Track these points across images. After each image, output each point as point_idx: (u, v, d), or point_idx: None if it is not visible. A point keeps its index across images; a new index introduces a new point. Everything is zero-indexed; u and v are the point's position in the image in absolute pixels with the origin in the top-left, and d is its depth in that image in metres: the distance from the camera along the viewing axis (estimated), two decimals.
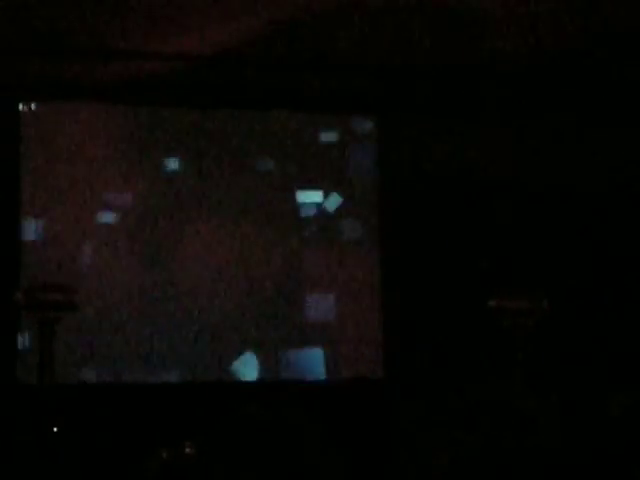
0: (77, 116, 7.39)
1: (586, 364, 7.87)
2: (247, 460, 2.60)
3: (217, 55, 7.20)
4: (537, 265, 7.48)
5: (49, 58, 7.07)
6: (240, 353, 7.51)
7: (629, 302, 8.08)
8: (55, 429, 6.00)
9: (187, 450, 2.78)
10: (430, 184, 7.93)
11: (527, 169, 8.06)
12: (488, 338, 7.34)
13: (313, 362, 7.64)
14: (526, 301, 6.89)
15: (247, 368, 7.49)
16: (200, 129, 7.59)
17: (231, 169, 7.62)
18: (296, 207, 7.73)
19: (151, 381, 7.33)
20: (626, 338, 8.01)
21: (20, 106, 7.30)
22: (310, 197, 7.75)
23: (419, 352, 7.75)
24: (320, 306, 7.71)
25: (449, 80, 7.70)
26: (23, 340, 7.02)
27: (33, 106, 7.33)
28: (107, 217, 7.39)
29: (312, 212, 7.75)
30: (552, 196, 8.06)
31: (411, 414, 7.49)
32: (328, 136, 7.81)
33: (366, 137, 7.87)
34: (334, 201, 7.78)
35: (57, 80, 7.25)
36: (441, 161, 7.91)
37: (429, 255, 7.87)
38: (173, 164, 7.55)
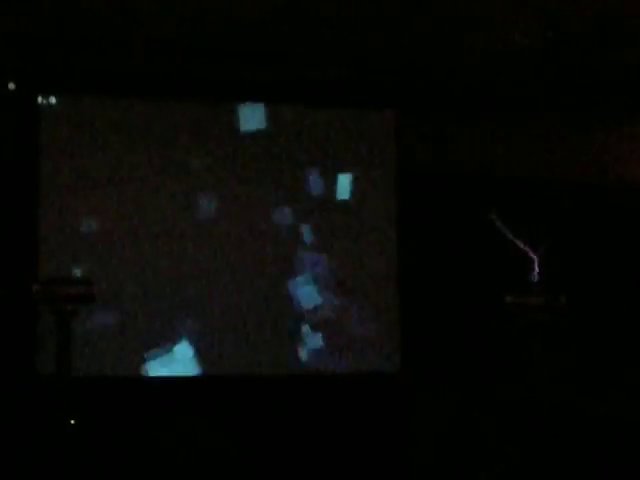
0: (96, 109, 7.42)
1: (603, 359, 7.86)
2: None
3: (238, 49, 7.21)
4: (555, 261, 7.46)
5: (69, 51, 7.09)
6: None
7: None
8: (72, 420, 6.04)
9: None
10: (448, 179, 7.93)
11: (543, 165, 8.04)
12: (505, 333, 7.34)
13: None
14: (543, 297, 6.89)
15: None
16: (223, 123, 7.63)
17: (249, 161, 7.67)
18: (312, 195, 7.76)
19: (166, 374, 7.36)
20: None
21: (39, 99, 7.33)
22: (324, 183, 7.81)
23: (436, 347, 7.75)
24: (336, 299, 7.73)
25: (467, 76, 7.70)
26: (41, 332, 7.03)
27: (52, 99, 7.35)
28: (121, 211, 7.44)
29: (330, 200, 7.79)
30: (568, 192, 8.05)
31: (427, 408, 7.50)
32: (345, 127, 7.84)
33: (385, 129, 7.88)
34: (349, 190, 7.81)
35: (78, 73, 7.27)
36: (459, 155, 7.90)
37: (447, 251, 7.87)
38: (194, 160, 7.59)
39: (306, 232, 7.74)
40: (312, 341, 7.66)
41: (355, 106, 7.83)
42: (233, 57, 7.29)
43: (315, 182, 7.79)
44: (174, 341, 7.42)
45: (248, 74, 7.47)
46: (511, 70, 7.51)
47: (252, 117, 7.70)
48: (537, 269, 6.97)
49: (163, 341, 7.39)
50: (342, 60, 7.39)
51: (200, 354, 7.44)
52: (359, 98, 7.79)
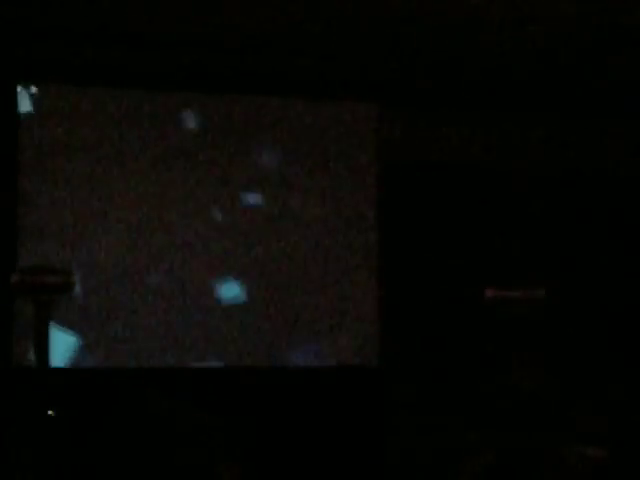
0: (77, 99, 7.38)
1: (583, 352, 7.88)
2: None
3: (216, 41, 7.19)
4: (534, 254, 7.48)
5: (49, 40, 7.04)
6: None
7: (626, 290, 8.10)
8: (51, 412, 6.00)
9: None
10: (429, 172, 7.94)
11: (525, 158, 8.06)
12: (485, 327, 7.35)
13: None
14: (522, 291, 6.90)
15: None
16: (211, 116, 7.61)
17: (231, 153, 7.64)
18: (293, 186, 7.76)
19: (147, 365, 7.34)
20: (623, 326, 8.03)
21: (19, 88, 7.29)
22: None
23: (415, 341, 7.76)
24: (315, 294, 7.72)
25: (449, 69, 7.70)
26: (20, 322, 7.00)
27: (33, 89, 7.31)
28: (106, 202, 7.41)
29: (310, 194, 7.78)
30: (549, 185, 8.07)
31: (406, 402, 7.51)
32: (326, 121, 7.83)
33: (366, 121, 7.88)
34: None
35: (58, 62, 7.23)
36: (440, 148, 7.91)
37: (427, 244, 7.87)
38: (173, 150, 7.56)
39: (286, 223, 7.74)
40: (290, 334, 7.65)
41: (336, 97, 7.83)
42: (214, 48, 7.26)
43: (296, 173, 7.78)
44: (152, 331, 7.40)
45: (231, 64, 7.45)
46: (494, 63, 7.53)
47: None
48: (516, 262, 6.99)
49: (142, 331, 7.37)
50: (324, 51, 7.38)
51: (179, 345, 7.42)
52: (341, 90, 7.78)
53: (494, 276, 6.99)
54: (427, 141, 7.91)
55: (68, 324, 7.09)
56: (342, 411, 7.58)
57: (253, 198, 7.69)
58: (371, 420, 7.60)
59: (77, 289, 6.27)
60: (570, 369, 7.74)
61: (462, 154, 7.95)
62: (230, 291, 7.58)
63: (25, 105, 7.29)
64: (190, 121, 7.60)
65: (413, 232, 7.86)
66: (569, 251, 8.03)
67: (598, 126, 8.17)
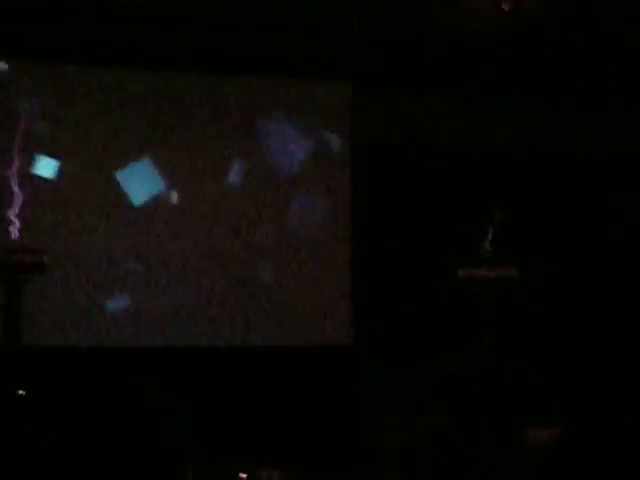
0: (47, 76, 7.32)
1: (554, 331, 7.93)
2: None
3: (193, 20, 7.16)
4: (506, 234, 7.50)
5: (21, 16, 6.99)
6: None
7: (598, 269, 8.14)
8: (21, 391, 5.98)
9: None
10: (404, 151, 7.93)
11: (499, 137, 8.07)
12: (457, 306, 7.37)
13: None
14: (494, 270, 6.94)
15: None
16: (181, 93, 7.57)
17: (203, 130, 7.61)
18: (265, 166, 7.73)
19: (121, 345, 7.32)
20: (598, 303, 8.07)
21: None
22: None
23: (388, 320, 7.77)
24: (288, 273, 7.72)
25: (423, 50, 7.69)
26: None
27: (4, 65, 7.24)
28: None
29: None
30: (522, 164, 8.09)
31: (378, 381, 7.53)
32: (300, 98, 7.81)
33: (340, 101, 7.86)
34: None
35: (30, 39, 7.17)
36: (413, 129, 7.91)
37: (399, 224, 7.88)
38: (146, 129, 7.52)
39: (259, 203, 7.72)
40: (263, 313, 7.65)
41: (310, 77, 7.80)
42: (187, 26, 7.23)
43: (269, 152, 7.76)
44: (126, 311, 7.38)
45: (202, 44, 7.41)
46: (469, 42, 7.52)
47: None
48: (489, 240, 7.00)
49: (114, 311, 7.35)
50: (298, 30, 7.35)
51: (151, 325, 7.41)
52: (314, 69, 7.76)
53: (467, 256, 7.00)
54: (401, 120, 7.89)
55: (39, 303, 7.05)
56: (315, 391, 7.59)
57: (226, 177, 7.66)
58: (344, 399, 7.62)
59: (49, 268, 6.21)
60: (536, 349, 7.78)
61: (435, 134, 7.94)
62: (207, 271, 7.57)
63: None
64: (165, 99, 7.55)
65: (386, 212, 7.86)
66: (542, 230, 8.06)
67: (574, 108, 8.18)
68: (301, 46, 7.55)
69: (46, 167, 7.29)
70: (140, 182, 7.48)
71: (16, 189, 6.55)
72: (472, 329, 7.00)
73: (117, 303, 7.37)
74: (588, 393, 7.41)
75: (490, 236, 6.98)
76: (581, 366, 7.76)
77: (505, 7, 6.49)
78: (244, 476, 5.59)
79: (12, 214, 6.52)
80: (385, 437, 6.85)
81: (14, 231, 6.29)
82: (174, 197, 7.56)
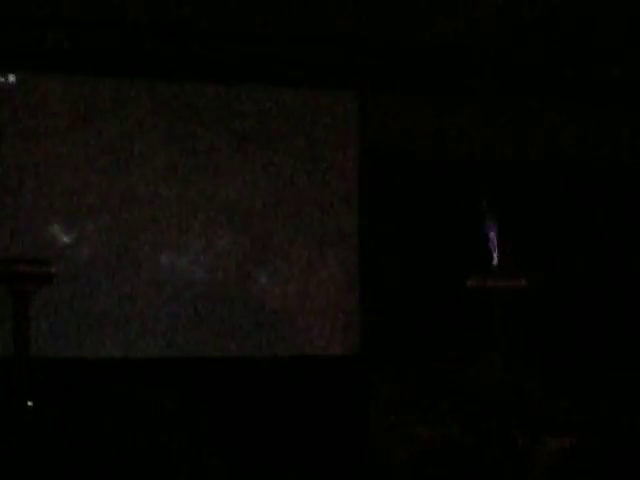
0: (56, 89, 7.33)
1: (564, 341, 7.90)
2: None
3: (199, 29, 7.17)
4: (516, 244, 7.48)
5: (27, 28, 7.00)
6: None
7: (609, 278, 8.12)
8: (30, 403, 5.97)
9: None
10: (411, 161, 7.92)
11: (508, 147, 8.05)
12: (466, 316, 7.35)
13: None
14: (504, 280, 6.91)
15: None
16: (180, 103, 7.56)
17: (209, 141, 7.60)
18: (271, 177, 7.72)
19: (129, 355, 7.31)
20: (605, 314, 8.05)
21: None
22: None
23: (397, 329, 7.75)
24: (297, 282, 7.71)
25: (430, 57, 7.69)
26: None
27: (11, 77, 7.26)
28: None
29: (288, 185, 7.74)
30: (531, 173, 8.07)
31: (387, 391, 7.51)
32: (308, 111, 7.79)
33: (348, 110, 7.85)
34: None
35: (36, 51, 7.18)
36: (422, 137, 7.89)
37: (408, 232, 7.86)
38: (152, 138, 7.51)
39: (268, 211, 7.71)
40: (272, 322, 7.64)
41: (318, 86, 7.79)
42: (198, 37, 7.24)
43: (276, 163, 7.75)
44: (137, 321, 7.36)
45: (211, 53, 7.42)
46: (479, 51, 7.52)
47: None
48: (497, 251, 6.98)
49: (125, 321, 7.34)
50: (307, 39, 7.36)
51: (163, 335, 7.40)
52: (322, 78, 7.75)
53: (476, 265, 6.98)
54: (409, 130, 7.88)
55: (48, 313, 7.04)
56: (325, 400, 7.57)
57: (235, 187, 7.66)
58: (354, 409, 7.60)
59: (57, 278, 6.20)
60: (549, 360, 7.75)
61: (444, 144, 7.93)
62: (214, 280, 7.56)
63: (3, 94, 7.23)
64: (171, 109, 7.55)
65: (394, 220, 7.85)
66: (552, 240, 8.04)
67: (597, 117, 8.17)
68: (307, 55, 7.55)
69: None
70: None
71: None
72: (482, 338, 6.97)
73: (127, 313, 7.37)
74: (599, 402, 7.38)
75: (499, 245, 6.96)
76: (591, 375, 7.73)
77: None
78: None
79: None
80: (396, 446, 6.82)
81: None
82: (183, 204, 7.56)
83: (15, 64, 7.22)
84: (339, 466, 7.34)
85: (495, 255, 6.99)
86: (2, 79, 7.22)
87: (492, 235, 7.03)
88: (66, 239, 7.28)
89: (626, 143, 8.18)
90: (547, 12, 6.70)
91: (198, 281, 7.52)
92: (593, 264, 8.12)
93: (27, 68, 7.26)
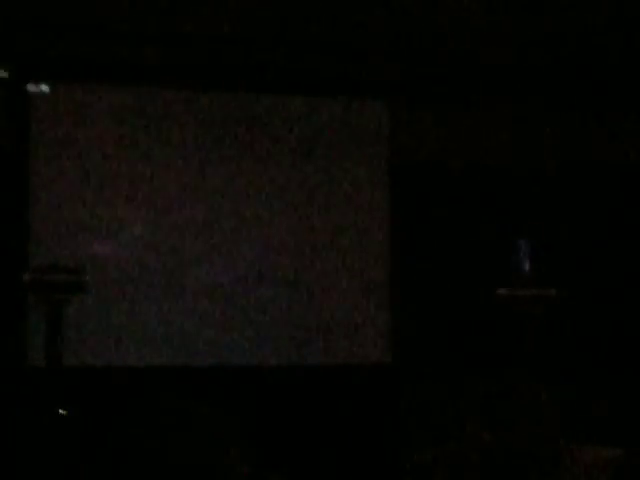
0: (88, 98, 7.36)
1: (596, 351, 7.85)
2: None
3: (231, 37, 7.18)
4: (546, 253, 7.45)
5: (61, 37, 7.03)
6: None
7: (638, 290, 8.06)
8: (63, 412, 5.99)
9: None
10: (441, 171, 7.91)
11: (538, 157, 8.03)
12: (497, 326, 7.33)
13: None
14: (535, 290, 6.88)
15: None
16: (214, 113, 7.57)
17: (240, 151, 7.60)
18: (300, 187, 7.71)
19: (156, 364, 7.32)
20: (635, 324, 7.99)
21: (30, 87, 7.25)
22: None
23: (428, 338, 7.74)
24: (329, 292, 7.70)
25: (463, 69, 7.67)
26: (33, 322, 6.96)
27: (44, 87, 7.29)
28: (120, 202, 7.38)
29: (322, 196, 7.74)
30: (561, 184, 8.04)
31: (420, 400, 7.49)
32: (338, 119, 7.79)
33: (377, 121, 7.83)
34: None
35: (70, 60, 7.22)
36: (453, 148, 7.88)
37: (439, 242, 7.85)
38: (186, 147, 7.53)
39: (298, 223, 7.71)
40: (305, 332, 7.63)
41: (347, 96, 7.79)
42: (225, 45, 7.25)
43: (307, 172, 7.75)
44: (169, 330, 7.37)
45: (245, 64, 7.43)
46: (508, 60, 7.51)
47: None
48: (528, 260, 6.96)
49: (157, 330, 7.35)
50: (340, 51, 7.36)
51: (195, 344, 7.40)
52: (352, 88, 7.75)
53: (507, 275, 6.96)
54: (439, 140, 7.87)
55: (81, 323, 7.07)
56: (357, 409, 7.56)
57: (264, 197, 7.66)
58: (386, 417, 7.58)
59: (90, 287, 6.22)
60: (583, 368, 7.70)
61: (474, 154, 7.91)
62: (246, 290, 7.56)
63: (36, 104, 7.26)
64: (203, 118, 7.57)
65: (425, 231, 7.84)
66: (583, 250, 8.00)
67: (612, 123, 8.12)
68: (337, 65, 7.55)
69: None
70: None
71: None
72: (513, 347, 6.94)
73: (158, 322, 7.38)
74: (632, 411, 7.33)
75: (530, 255, 6.94)
76: (624, 385, 7.68)
77: None
78: None
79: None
80: (429, 454, 6.80)
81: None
82: (215, 214, 7.57)
83: (48, 74, 7.26)
84: (372, 474, 7.33)
85: (526, 265, 6.97)
86: (35, 89, 7.26)
87: (523, 245, 7.02)
88: (98, 249, 7.30)
89: None
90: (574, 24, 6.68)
91: (232, 292, 7.52)
92: (625, 273, 8.07)
93: (60, 78, 7.30)
